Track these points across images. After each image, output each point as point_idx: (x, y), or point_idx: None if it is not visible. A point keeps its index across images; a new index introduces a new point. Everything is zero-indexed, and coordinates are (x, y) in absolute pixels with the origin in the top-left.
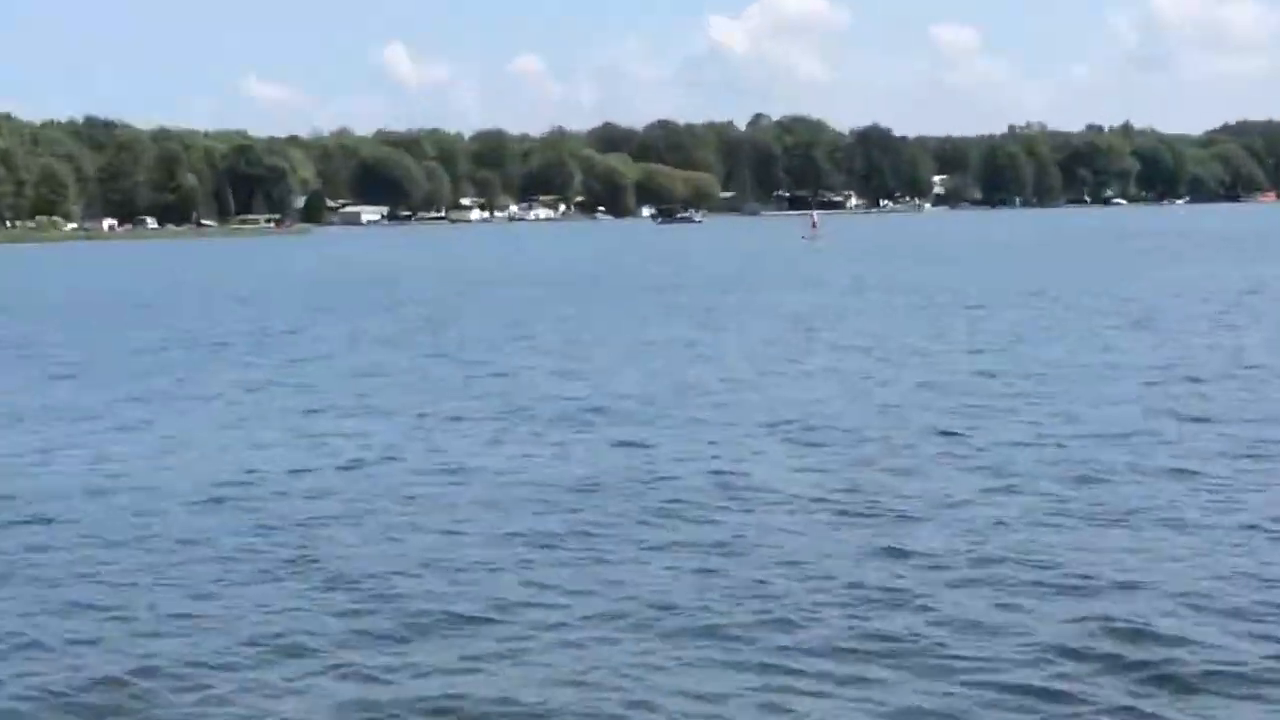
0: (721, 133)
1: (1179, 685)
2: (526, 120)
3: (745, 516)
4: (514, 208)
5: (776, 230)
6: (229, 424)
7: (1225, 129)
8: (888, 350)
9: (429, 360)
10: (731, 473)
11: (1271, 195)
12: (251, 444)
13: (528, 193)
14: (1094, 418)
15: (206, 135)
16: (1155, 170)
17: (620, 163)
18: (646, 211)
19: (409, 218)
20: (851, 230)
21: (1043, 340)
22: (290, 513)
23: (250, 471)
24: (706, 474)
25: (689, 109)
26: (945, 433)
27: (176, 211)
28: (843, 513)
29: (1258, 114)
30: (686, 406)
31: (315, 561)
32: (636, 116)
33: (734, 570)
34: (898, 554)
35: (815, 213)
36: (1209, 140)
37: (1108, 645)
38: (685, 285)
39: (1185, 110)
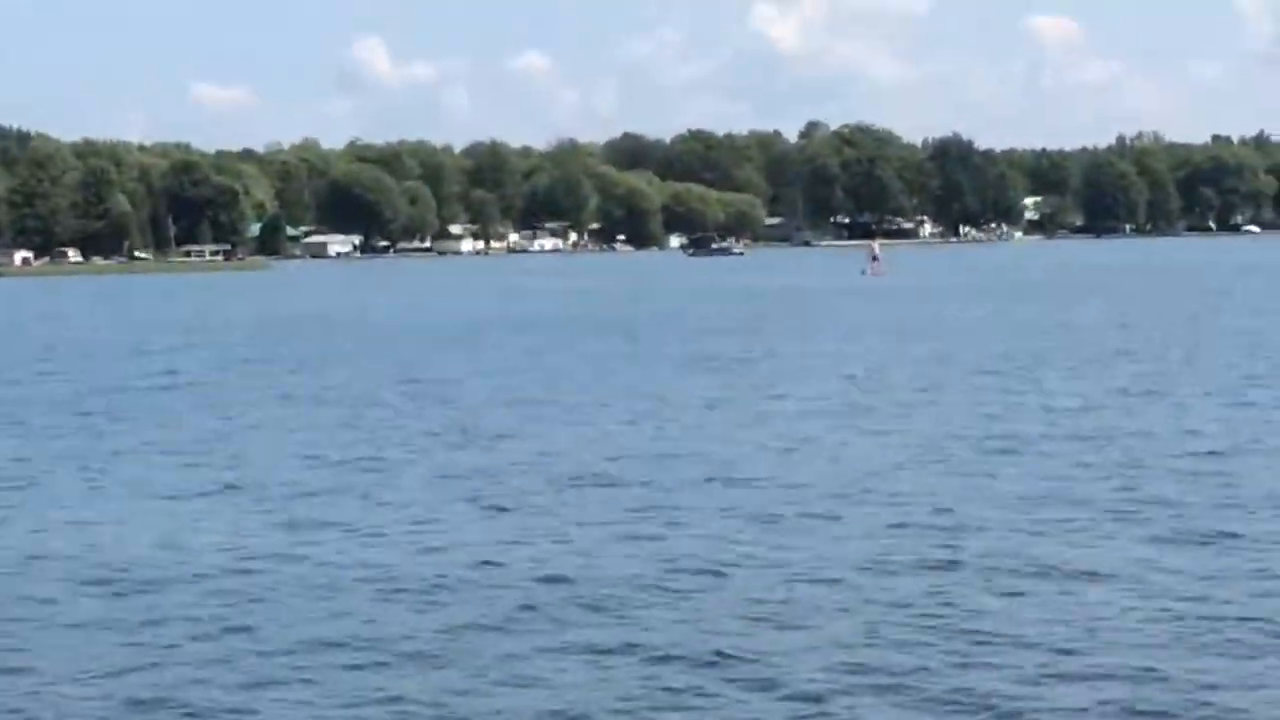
0: (768, 145)
1: None
2: (531, 131)
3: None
4: (515, 237)
5: (832, 264)
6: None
7: None
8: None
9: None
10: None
11: None
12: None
13: (532, 218)
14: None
15: (142, 149)
16: None
17: (644, 182)
18: (676, 241)
19: (387, 249)
20: (923, 264)
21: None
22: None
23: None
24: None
25: (729, 117)
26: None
27: (105, 241)
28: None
29: None
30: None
31: None
32: (664, 126)
33: None
34: None
35: (875, 243)
36: None
37: None
38: (717, 330)
39: None
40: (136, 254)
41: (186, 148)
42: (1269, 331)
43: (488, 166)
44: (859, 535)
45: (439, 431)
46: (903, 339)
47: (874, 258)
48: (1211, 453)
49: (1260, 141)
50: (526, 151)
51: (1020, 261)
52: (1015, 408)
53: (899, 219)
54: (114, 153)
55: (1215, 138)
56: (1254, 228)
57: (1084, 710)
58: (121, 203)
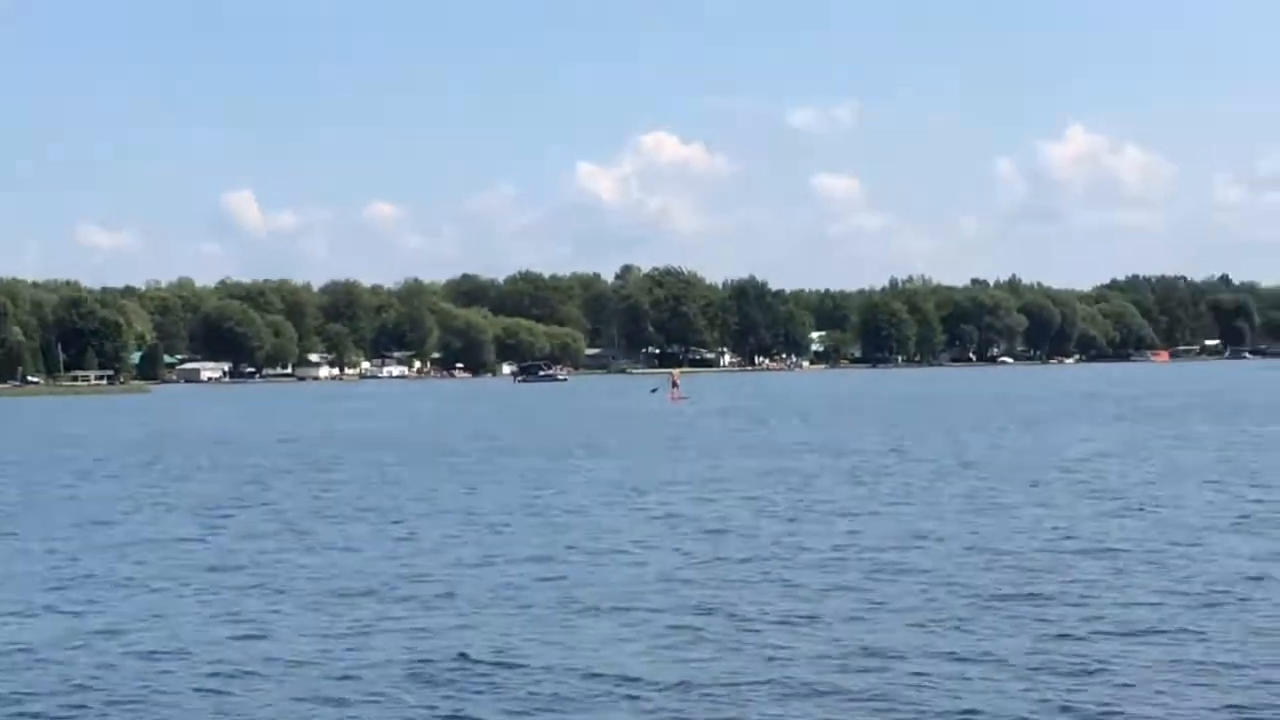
0: (589, 286)
1: None
2: (381, 271)
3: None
4: (366, 364)
5: (642, 389)
6: None
7: (1115, 285)
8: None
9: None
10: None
11: (1164, 354)
12: None
13: (381, 348)
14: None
15: (35, 285)
16: (1043, 327)
17: (480, 316)
18: (507, 369)
19: (253, 374)
20: (720, 389)
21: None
22: None
23: None
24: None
25: (555, 260)
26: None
27: (1, 367)
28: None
29: (1149, 268)
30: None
31: None
32: (499, 268)
33: None
34: None
35: (676, 372)
36: (1099, 296)
37: None
38: (522, 448)
39: (1074, 265)
40: (29, 378)
41: (75, 285)
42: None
43: (343, 302)
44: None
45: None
46: (680, 456)
47: (674, 384)
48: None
49: (1013, 284)
50: (377, 290)
51: (804, 388)
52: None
53: (702, 349)
54: (10, 289)
55: (975, 281)
56: (1008, 359)
57: None
58: (16, 333)
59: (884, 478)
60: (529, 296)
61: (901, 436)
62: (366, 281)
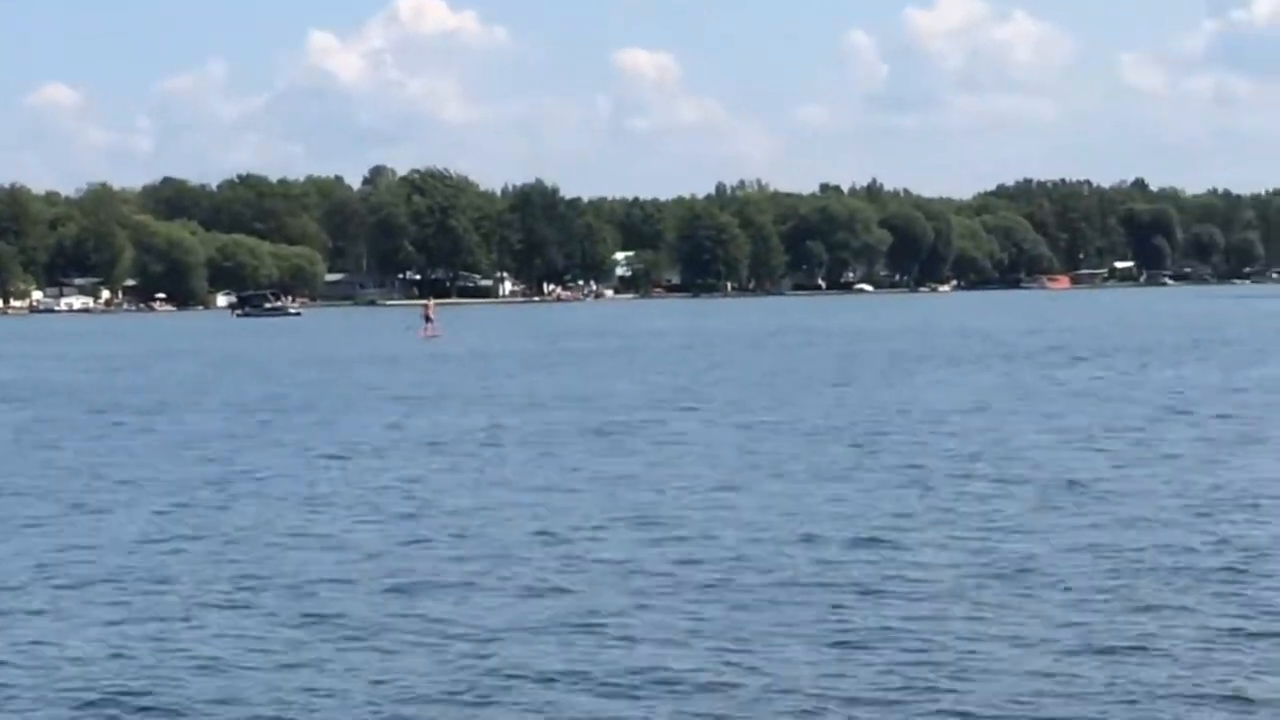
0: (328, 193)
1: None
2: (57, 174)
3: None
4: (39, 294)
5: (394, 325)
6: None
7: (1002, 192)
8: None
9: None
10: None
11: (1063, 280)
12: None
13: (59, 273)
14: None
15: None
16: (911, 246)
17: (187, 233)
18: (224, 300)
19: None
20: (492, 325)
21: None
22: None
23: None
24: None
25: (283, 160)
26: None
27: None
28: None
29: (1045, 172)
30: None
31: None
32: (210, 170)
33: None
34: None
35: (431, 303)
36: (981, 206)
37: None
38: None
39: (950, 167)
40: None
41: None
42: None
43: (5, 214)
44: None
45: None
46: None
47: (427, 319)
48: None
49: (873, 192)
50: (52, 198)
51: (598, 323)
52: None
53: (476, 275)
54: None
55: (825, 188)
56: (866, 286)
57: None
58: None
59: (634, 436)
60: (251, 208)
61: (682, 385)
62: (37, 187)
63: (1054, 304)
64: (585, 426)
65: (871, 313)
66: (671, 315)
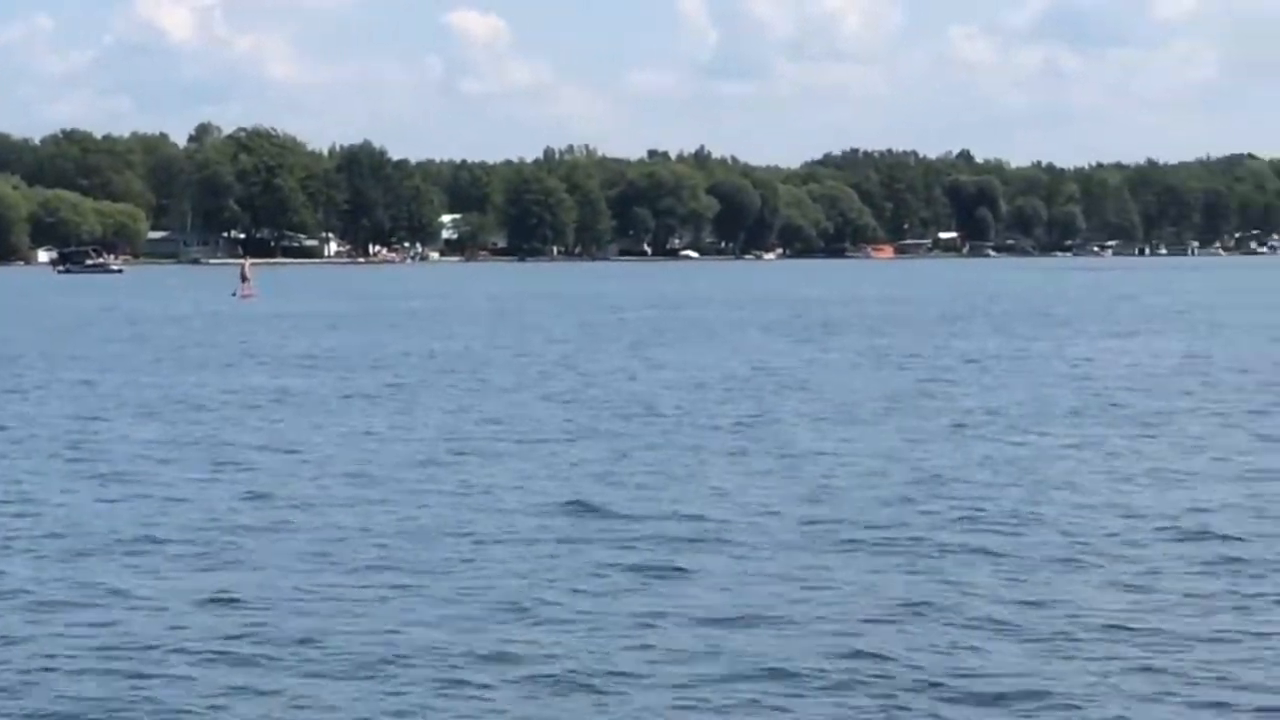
0: (153, 149)
1: None
2: None
3: None
4: None
5: (215, 284)
6: None
7: (829, 161)
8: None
9: None
10: None
11: (887, 250)
12: None
13: None
14: None
15: None
16: (738, 213)
17: (9, 187)
18: (45, 256)
19: None
20: (313, 286)
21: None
22: None
23: None
24: None
25: (108, 116)
26: None
27: None
28: None
29: (871, 142)
30: None
31: None
32: (32, 125)
33: None
34: None
35: (246, 262)
36: (808, 175)
37: None
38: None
39: (778, 135)
40: None
41: None
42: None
43: None
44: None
45: None
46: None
47: (244, 278)
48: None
49: (701, 159)
50: None
51: (417, 287)
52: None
53: (302, 235)
54: None
55: (652, 153)
56: (692, 253)
57: None
58: None
59: (391, 400)
60: (74, 163)
61: (466, 350)
62: None
63: (868, 273)
64: (348, 389)
65: (688, 279)
66: (484, 279)
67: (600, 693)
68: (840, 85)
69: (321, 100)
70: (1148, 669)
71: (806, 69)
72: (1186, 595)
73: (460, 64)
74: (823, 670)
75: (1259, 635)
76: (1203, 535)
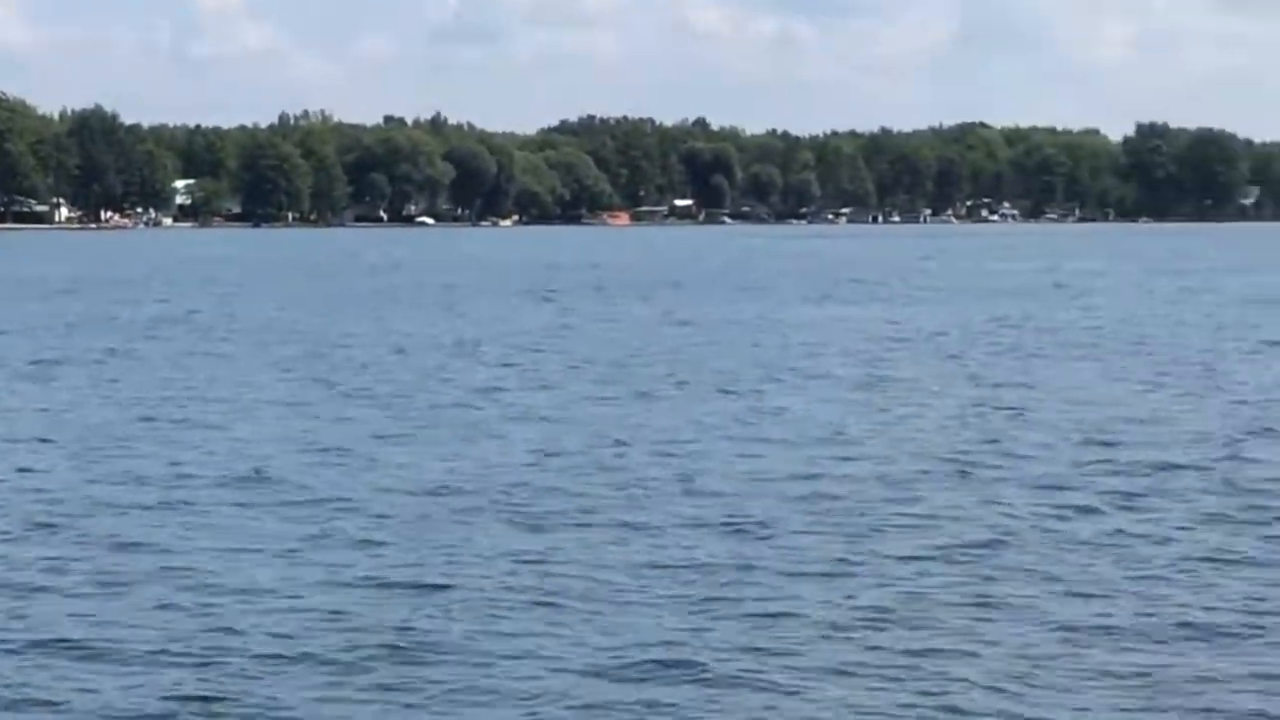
0: None
1: None
2: None
3: None
4: None
5: None
6: None
7: (565, 128)
8: None
9: None
10: None
11: (623, 216)
12: None
13: None
14: None
15: None
16: (474, 180)
17: None
18: None
19: None
20: (25, 251)
21: None
22: None
23: None
24: None
25: None
26: None
27: None
28: None
29: (608, 108)
30: None
31: None
32: None
33: None
34: None
35: None
36: (544, 142)
37: None
38: None
39: (514, 102)
40: None
41: None
42: None
43: None
44: None
45: None
46: None
47: None
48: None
49: (437, 125)
50: None
51: (138, 252)
52: None
53: (31, 201)
54: None
55: (388, 119)
56: (428, 219)
57: None
58: None
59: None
60: None
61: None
62: None
63: (599, 239)
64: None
65: (420, 245)
66: (215, 245)
67: None
68: (576, 52)
69: (51, 64)
70: None
71: (543, 35)
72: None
73: (190, 28)
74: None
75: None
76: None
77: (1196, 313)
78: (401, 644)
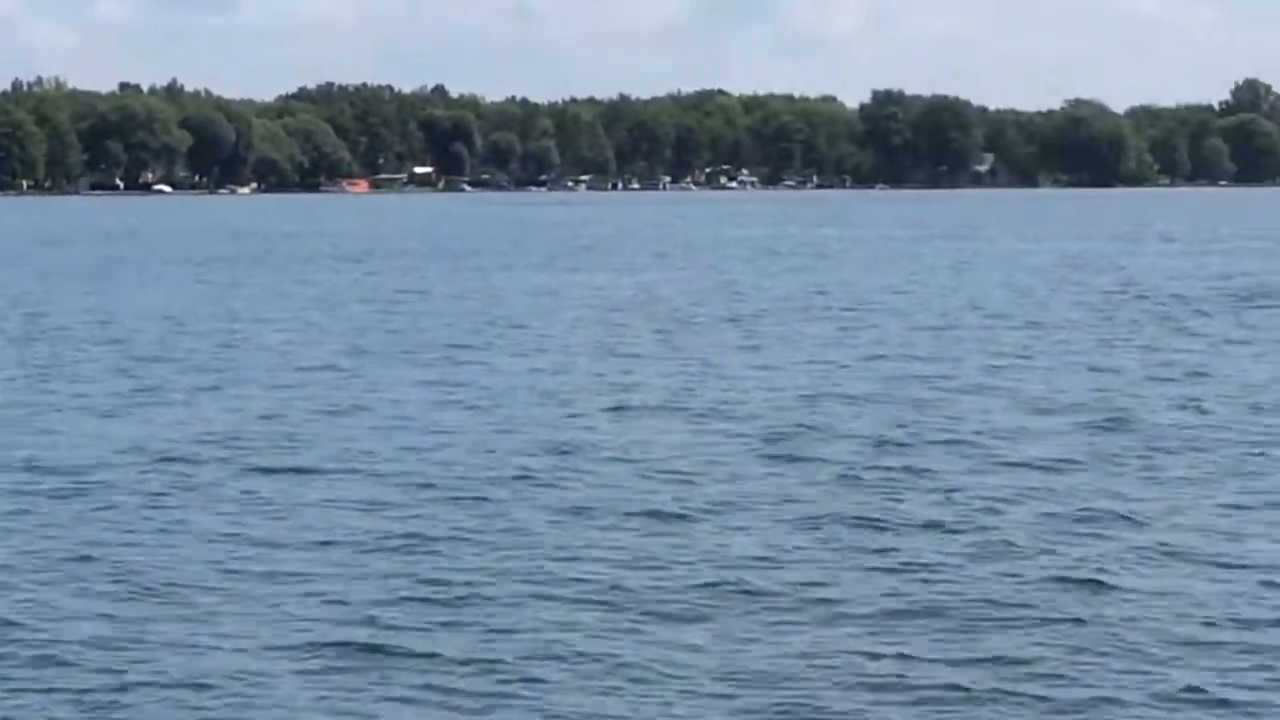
0: None
1: None
2: None
3: None
4: None
5: None
6: None
7: (304, 95)
8: None
9: None
10: None
11: (362, 184)
12: None
13: None
14: None
15: None
16: (212, 147)
17: None
18: None
19: None
20: None
21: None
22: None
23: None
24: None
25: None
26: None
27: None
28: None
29: (346, 75)
30: None
31: None
32: None
33: None
34: None
35: None
36: (283, 109)
37: None
38: None
39: (252, 69)
40: None
41: None
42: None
43: None
44: None
45: None
46: None
47: None
48: None
49: (174, 92)
50: None
51: None
52: None
53: None
54: None
55: (125, 86)
56: (166, 187)
57: None
58: None
59: None
60: None
61: None
62: None
63: (333, 208)
64: None
65: (149, 215)
66: None
67: None
68: (313, 18)
69: None
70: None
71: (277, 2)
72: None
73: None
74: None
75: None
76: None
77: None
78: None
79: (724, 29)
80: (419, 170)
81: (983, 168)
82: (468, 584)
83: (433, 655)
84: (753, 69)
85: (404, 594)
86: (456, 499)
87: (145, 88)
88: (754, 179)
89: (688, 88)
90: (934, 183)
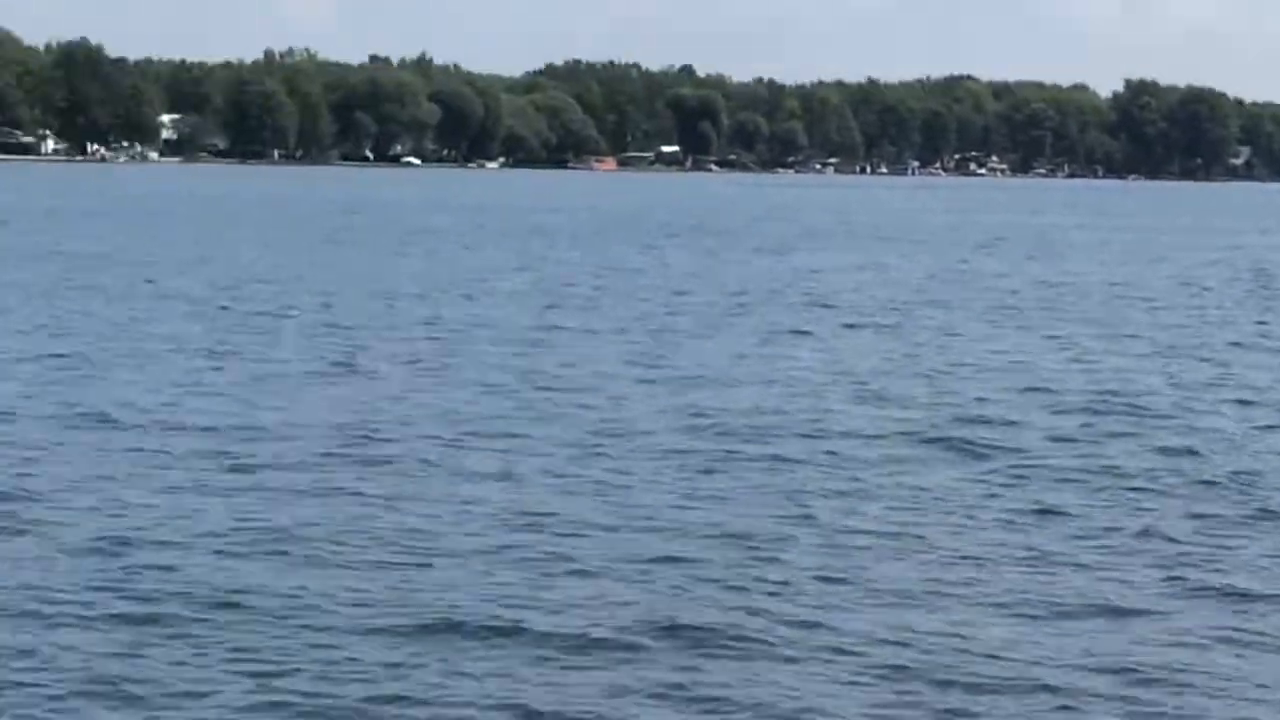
0: None
1: None
2: None
3: None
4: None
5: None
6: None
7: (552, 72)
8: None
9: None
10: None
11: (609, 162)
12: None
13: None
14: None
15: None
16: (460, 121)
17: None
18: None
19: None
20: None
21: None
22: None
23: None
24: None
25: None
26: None
27: None
28: None
29: (594, 53)
30: None
31: None
32: None
33: None
34: None
35: None
36: (531, 85)
37: None
38: None
39: (501, 43)
40: None
41: None
42: None
43: None
44: None
45: None
46: None
47: None
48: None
49: (423, 66)
50: None
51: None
52: None
53: (18, 132)
54: None
55: (374, 59)
56: (415, 159)
57: None
58: None
59: None
60: None
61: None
62: None
63: (586, 184)
64: None
65: (401, 185)
66: (187, 179)
67: None
68: None
69: None
70: None
71: None
72: None
73: None
74: None
75: None
76: None
77: None
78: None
79: (973, 15)
80: (666, 149)
81: (1238, 161)
82: None
83: None
84: (1000, 56)
85: None
86: None
87: (395, 61)
88: (1004, 166)
89: (936, 73)
90: (1188, 175)
